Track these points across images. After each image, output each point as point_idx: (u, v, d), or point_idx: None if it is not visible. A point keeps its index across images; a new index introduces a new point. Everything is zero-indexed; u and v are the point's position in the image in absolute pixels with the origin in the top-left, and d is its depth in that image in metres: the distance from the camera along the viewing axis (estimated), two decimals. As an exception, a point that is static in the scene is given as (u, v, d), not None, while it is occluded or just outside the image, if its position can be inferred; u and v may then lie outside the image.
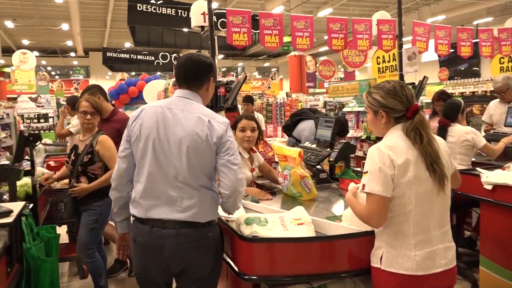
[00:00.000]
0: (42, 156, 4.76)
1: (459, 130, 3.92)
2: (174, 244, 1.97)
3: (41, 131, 9.88)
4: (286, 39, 8.87)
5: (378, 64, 6.96)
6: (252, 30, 5.84)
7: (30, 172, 2.93)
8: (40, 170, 3.68)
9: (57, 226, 4.45)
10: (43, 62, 27.40)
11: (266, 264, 1.94)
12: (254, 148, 3.24)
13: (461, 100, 4.30)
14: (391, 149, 1.81)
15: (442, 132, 3.92)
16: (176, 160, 1.98)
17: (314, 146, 3.49)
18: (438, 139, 1.94)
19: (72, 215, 3.26)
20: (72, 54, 26.65)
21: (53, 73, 29.69)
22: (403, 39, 5.45)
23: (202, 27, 4.31)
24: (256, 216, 2.19)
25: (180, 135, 1.98)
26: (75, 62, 29.47)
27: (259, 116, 7.74)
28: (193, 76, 2.11)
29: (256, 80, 28.62)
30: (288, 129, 5.11)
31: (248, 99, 7.53)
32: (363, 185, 1.84)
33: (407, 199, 1.81)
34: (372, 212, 1.81)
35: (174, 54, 14.38)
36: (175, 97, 2.12)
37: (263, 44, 4.52)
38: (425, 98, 7.74)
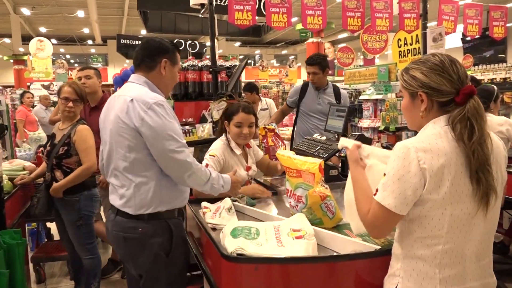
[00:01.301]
0: (36, 146, 4.44)
1: (492, 121, 3.47)
2: (111, 230, 2.02)
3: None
4: (299, 26, 8.34)
5: (399, 47, 6.33)
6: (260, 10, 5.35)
7: (-7, 167, 2.56)
8: (20, 163, 3.34)
9: (48, 222, 4.25)
10: (62, 50, 27.44)
11: (252, 289, 1.56)
12: (249, 143, 2.75)
13: (494, 87, 3.83)
14: (426, 152, 1.31)
15: None
16: (108, 148, 1.98)
17: (323, 138, 3.08)
18: (495, 140, 1.43)
19: (46, 211, 2.94)
20: (90, 42, 26.59)
21: (72, 61, 29.80)
22: (428, 23, 4.92)
23: (202, 5, 3.88)
24: (246, 226, 1.80)
25: (111, 121, 1.95)
26: (93, 50, 29.49)
27: (267, 101, 6.50)
28: (141, 57, 2.03)
29: (274, 68, 28.09)
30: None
31: (246, 87, 5.94)
32: (376, 189, 1.40)
33: (438, 221, 1.33)
34: (376, 224, 1.39)
35: (189, 41, 14.04)
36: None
37: (269, 24, 4.05)
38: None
